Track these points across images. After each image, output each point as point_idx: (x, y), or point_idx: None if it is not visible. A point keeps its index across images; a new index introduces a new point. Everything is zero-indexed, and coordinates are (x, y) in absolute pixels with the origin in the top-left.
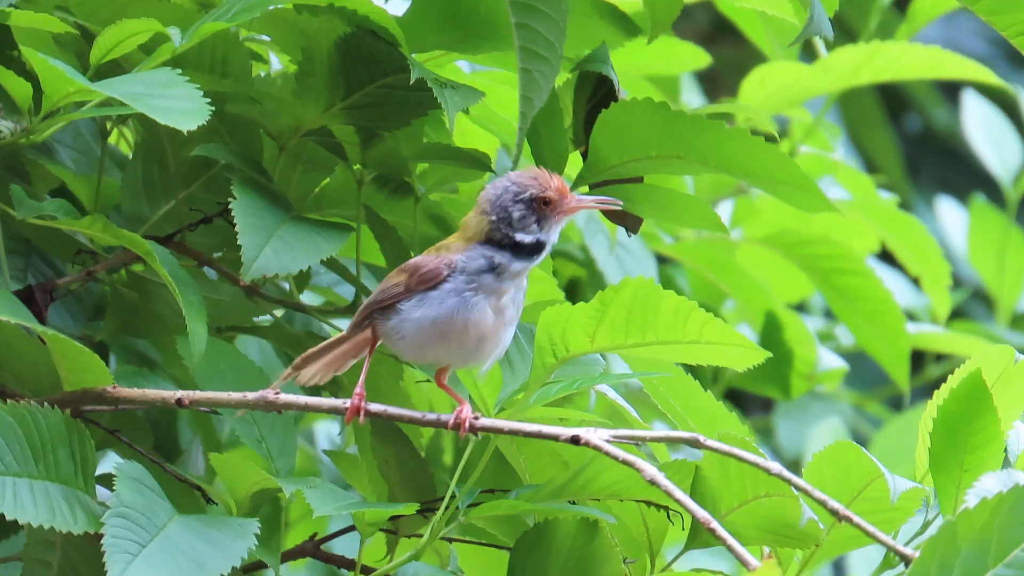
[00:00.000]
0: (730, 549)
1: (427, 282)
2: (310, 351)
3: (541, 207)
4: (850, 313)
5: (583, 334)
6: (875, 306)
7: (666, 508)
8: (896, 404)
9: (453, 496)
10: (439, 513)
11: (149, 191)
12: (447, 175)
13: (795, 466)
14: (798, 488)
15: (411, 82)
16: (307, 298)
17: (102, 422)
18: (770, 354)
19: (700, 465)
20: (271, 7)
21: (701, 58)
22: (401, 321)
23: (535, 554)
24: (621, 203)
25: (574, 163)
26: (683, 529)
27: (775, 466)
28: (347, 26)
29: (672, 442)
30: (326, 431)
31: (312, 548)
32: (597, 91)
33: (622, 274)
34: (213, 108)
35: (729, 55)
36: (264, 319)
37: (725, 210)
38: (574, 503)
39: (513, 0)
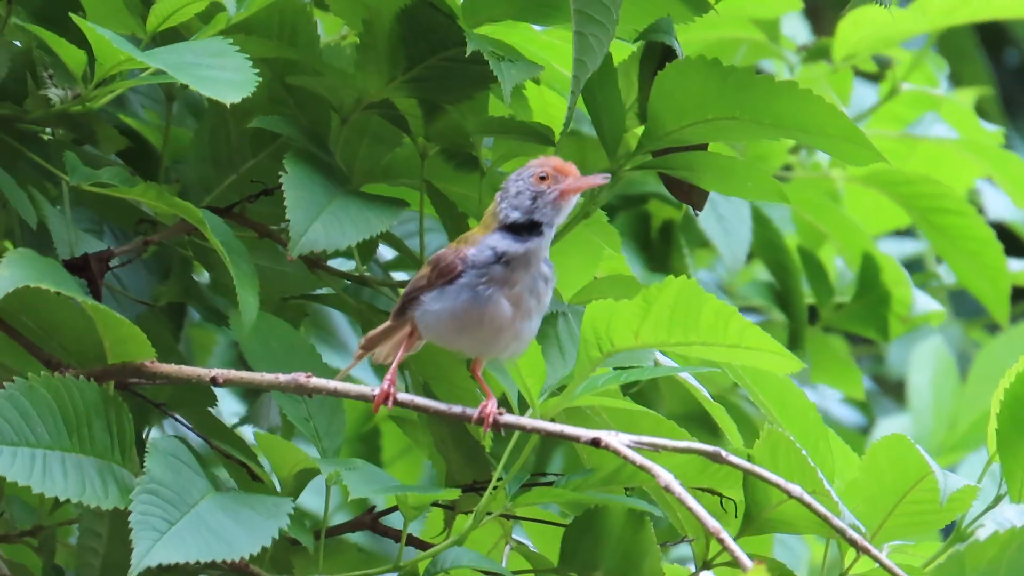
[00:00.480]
0: (735, 558)
1: (444, 276)
2: (372, 333)
3: (538, 183)
4: (951, 251)
5: (628, 330)
6: (976, 245)
7: (719, 495)
8: (997, 328)
9: (501, 479)
10: (484, 499)
11: (216, 160)
12: (512, 149)
13: (900, 387)
14: (817, 513)
15: (467, 55)
16: (383, 251)
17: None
18: (804, 365)
19: (752, 454)
20: None
21: (793, 2)
22: (424, 313)
23: (586, 540)
24: (608, 178)
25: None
26: (736, 517)
27: (796, 489)
28: None
29: (693, 454)
30: None
31: (370, 521)
32: (663, 64)
33: (715, 218)
34: (260, 79)
35: None
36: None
37: None
38: (630, 489)
39: None
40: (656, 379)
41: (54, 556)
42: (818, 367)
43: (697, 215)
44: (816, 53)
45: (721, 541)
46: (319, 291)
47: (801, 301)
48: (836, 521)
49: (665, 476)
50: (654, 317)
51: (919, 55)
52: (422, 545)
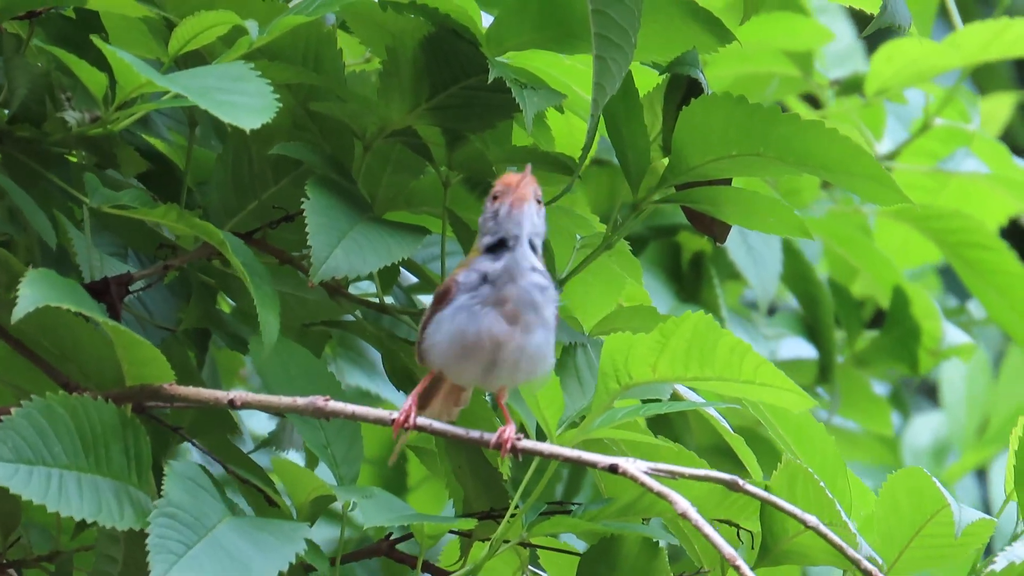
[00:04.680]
0: None
1: (441, 301)
2: (419, 390)
3: (492, 203)
4: (982, 287)
5: (645, 363)
6: (1007, 280)
7: (736, 526)
8: None
9: (519, 507)
10: (501, 527)
11: (238, 186)
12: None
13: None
14: (832, 544)
15: (489, 82)
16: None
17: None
18: (816, 403)
19: (770, 485)
20: None
21: (825, 35)
22: (430, 346)
23: (601, 569)
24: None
25: None
26: (752, 548)
27: (812, 519)
28: (430, 25)
29: (710, 482)
30: None
31: (387, 548)
32: (688, 96)
33: (745, 250)
34: (280, 105)
35: None
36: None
37: None
38: (647, 520)
39: None
40: (685, 411)
41: None
42: (848, 404)
43: (719, 246)
44: (849, 87)
45: (737, 568)
46: (341, 318)
47: (831, 334)
48: (851, 552)
49: (682, 503)
50: (671, 351)
51: (952, 91)
52: (439, 573)
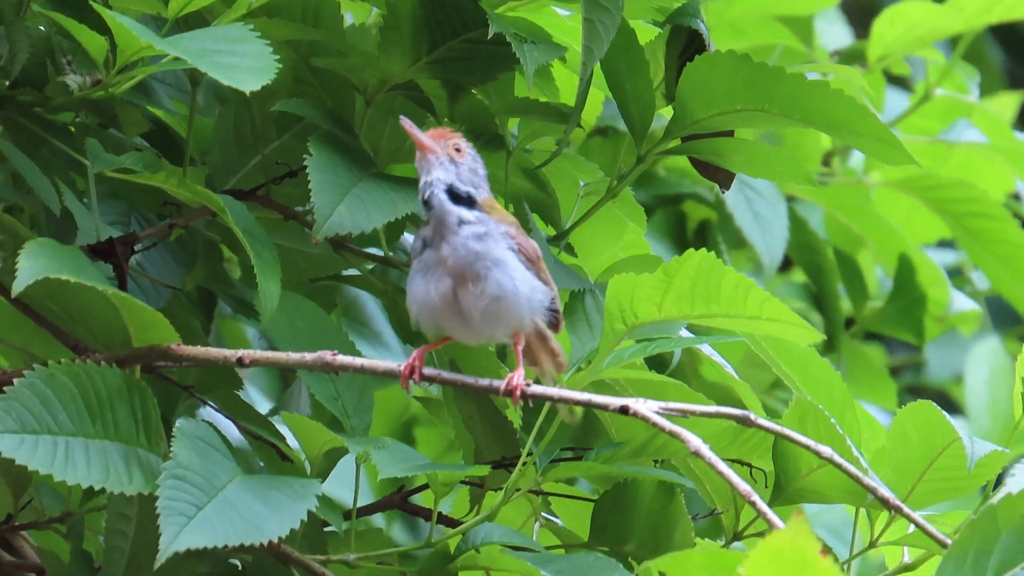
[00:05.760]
0: (767, 521)
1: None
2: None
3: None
4: (985, 256)
5: (651, 303)
6: (1010, 250)
7: (749, 465)
8: None
9: (531, 454)
10: (515, 474)
11: (240, 142)
12: (537, 129)
13: (943, 395)
14: (847, 473)
15: (489, 36)
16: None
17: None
18: (823, 336)
19: (781, 423)
20: None
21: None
22: (411, 312)
23: (615, 513)
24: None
25: None
26: (766, 487)
27: (826, 450)
28: None
29: (722, 418)
30: None
31: (399, 500)
32: (689, 46)
33: (751, 216)
34: (280, 66)
35: None
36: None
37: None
38: (659, 462)
39: None
40: (685, 370)
41: (82, 542)
42: (852, 378)
43: (726, 195)
44: (850, 57)
45: (753, 504)
46: (346, 272)
47: (837, 303)
48: (867, 480)
49: (695, 441)
50: (676, 290)
51: (952, 59)
52: (452, 524)
